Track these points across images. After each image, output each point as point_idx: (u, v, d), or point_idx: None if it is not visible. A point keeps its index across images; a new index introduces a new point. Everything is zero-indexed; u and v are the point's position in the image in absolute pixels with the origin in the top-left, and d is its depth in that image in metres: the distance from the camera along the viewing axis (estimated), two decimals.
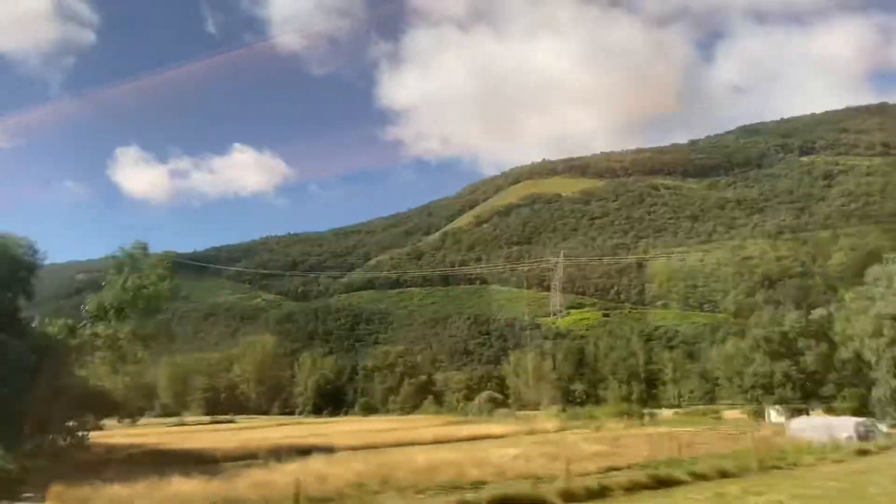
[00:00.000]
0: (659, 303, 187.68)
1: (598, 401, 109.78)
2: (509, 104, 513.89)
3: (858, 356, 57.65)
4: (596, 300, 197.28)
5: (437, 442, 42.28)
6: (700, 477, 22.82)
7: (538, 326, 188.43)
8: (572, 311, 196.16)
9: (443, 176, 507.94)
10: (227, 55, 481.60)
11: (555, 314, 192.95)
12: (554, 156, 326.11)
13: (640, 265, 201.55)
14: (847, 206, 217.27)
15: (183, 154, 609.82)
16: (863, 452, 30.65)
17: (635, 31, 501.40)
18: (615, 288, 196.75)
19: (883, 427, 43.55)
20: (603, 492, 20.11)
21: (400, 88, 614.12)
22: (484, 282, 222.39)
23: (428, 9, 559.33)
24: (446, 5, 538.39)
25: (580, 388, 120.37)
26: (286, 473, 21.72)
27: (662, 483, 21.65)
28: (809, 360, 67.76)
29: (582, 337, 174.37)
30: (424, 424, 66.31)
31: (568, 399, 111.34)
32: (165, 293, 39.98)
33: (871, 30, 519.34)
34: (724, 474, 23.58)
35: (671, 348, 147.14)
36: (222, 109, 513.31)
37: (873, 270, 56.99)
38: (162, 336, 43.47)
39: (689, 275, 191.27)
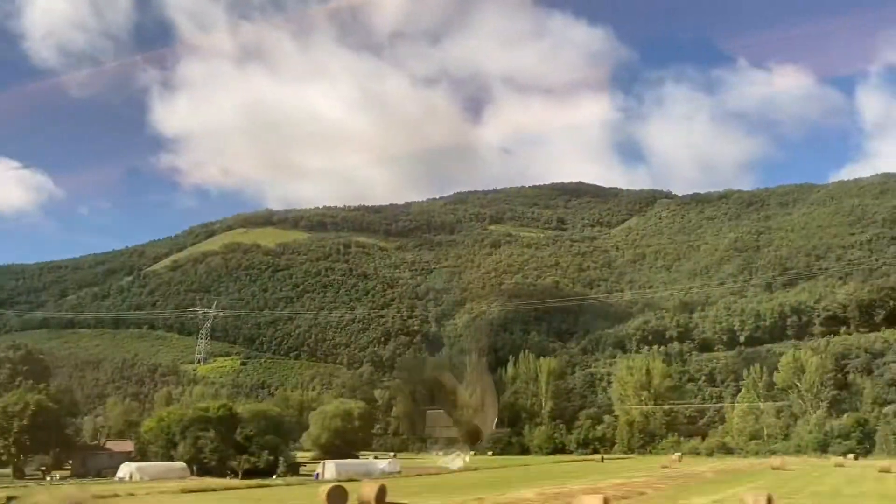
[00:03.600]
0: (292, 353, 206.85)
1: None
2: (287, 142, 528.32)
3: None
4: (242, 349, 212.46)
5: None
6: None
7: (176, 372, 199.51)
8: (219, 358, 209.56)
9: (225, 205, 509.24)
10: None
11: (199, 361, 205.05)
12: (334, 199, 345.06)
13: (290, 318, 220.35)
14: (489, 274, 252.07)
15: None
16: None
17: (404, 87, 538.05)
18: (260, 339, 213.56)
19: None
20: None
21: (174, 116, 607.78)
22: (152, 327, 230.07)
23: (197, 43, 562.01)
24: (216, 41, 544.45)
25: None
26: None
27: None
28: None
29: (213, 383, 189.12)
30: None
31: None
32: None
33: (614, 108, 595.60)
34: None
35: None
36: None
37: None
38: None
39: (323, 329, 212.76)
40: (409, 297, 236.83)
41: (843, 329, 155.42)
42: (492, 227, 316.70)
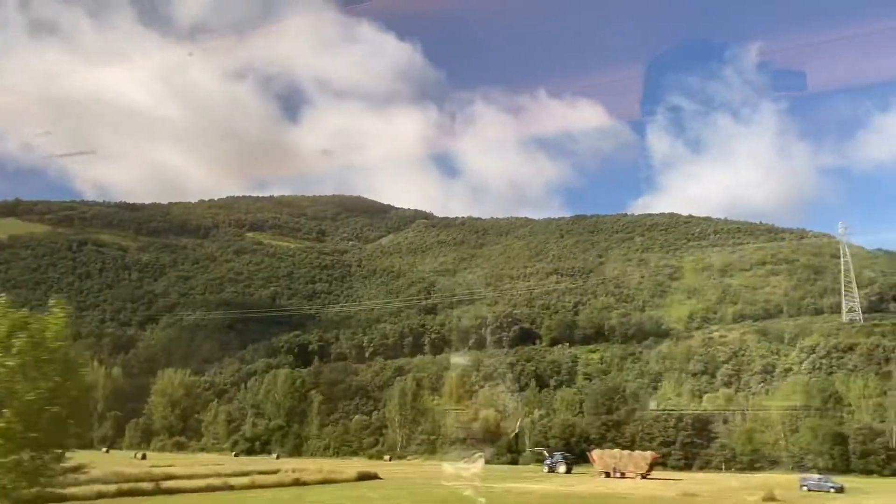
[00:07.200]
0: None
1: None
2: (88, 123, 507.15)
3: None
4: None
5: None
6: None
7: None
8: None
9: (25, 184, 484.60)
10: None
11: None
12: (133, 188, 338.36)
13: None
14: (214, 281, 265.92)
15: None
16: None
17: (211, 79, 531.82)
18: None
19: None
20: None
21: None
22: None
23: None
24: (3, 11, 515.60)
25: None
26: None
27: None
28: None
29: None
30: None
31: None
32: None
33: (430, 122, 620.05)
34: None
35: None
36: None
37: None
38: None
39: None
40: (123, 300, 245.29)
41: (446, 349, 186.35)
42: (249, 235, 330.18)
